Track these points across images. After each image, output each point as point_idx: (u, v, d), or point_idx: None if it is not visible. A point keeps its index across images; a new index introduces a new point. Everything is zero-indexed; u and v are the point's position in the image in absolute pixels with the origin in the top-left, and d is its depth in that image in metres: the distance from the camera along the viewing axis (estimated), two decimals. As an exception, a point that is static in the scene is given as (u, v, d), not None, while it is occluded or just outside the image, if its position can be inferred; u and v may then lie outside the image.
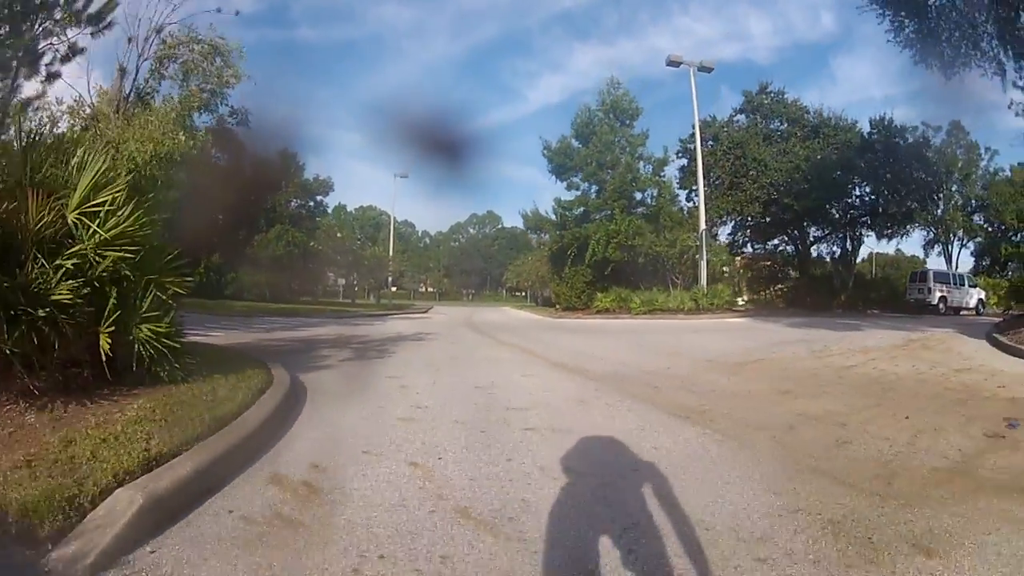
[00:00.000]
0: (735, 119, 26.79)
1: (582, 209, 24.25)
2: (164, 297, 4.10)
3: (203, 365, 4.33)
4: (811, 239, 27.95)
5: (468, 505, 2.46)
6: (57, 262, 3.63)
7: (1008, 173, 37.76)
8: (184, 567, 1.89)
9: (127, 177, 4.22)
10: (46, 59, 8.89)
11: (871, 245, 49.01)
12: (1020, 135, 24.74)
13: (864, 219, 26.87)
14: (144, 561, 1.92)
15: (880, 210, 25.87)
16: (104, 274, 3.73)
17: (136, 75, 12.81)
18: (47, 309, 3.45)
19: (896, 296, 26.41)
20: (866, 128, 25.77)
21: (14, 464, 2.42)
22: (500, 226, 77.73)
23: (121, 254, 3.73)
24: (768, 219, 25.23)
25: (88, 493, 2.14)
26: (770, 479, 2.82)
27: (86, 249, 3.72)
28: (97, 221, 3.82)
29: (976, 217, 39.61)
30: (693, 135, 22.80)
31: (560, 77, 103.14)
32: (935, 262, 37.82)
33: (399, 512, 2.36)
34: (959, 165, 36.79)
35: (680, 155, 26.61)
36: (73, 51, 9.13)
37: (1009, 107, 14.06)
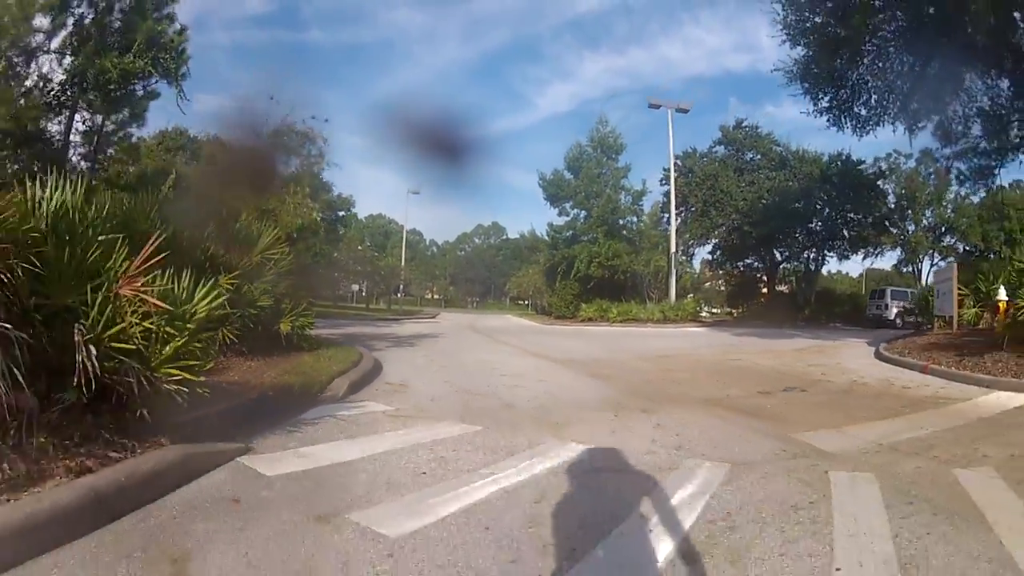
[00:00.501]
0: (714, 149, 30.38)
1: (571, 232, 28.00)
2: (305, 305, 7.50)
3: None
4: (777, 259, 31.37)
5: (469, 389, 5.83)
6: (256, 283, 7.03)
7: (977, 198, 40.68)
8: (364, 396, 5.24)
9: (284, 238, 7.64)
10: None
11: (851, 264, 52.05)
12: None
13: (823, 243, 30.28)
14: (351, 399, 5.27)
15: (838, 235, 29.29)
16: (282, 291, 7.12)
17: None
18: (255, 310, 6.83)
19: (860, 311, 29.35)
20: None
21: (279, 373, 5.78)
22: (504, 237, 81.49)
23: (291, 280, 7.13)
24: (736, 242, 28.69)
25: (323, 380, 5.50)
26: (607, 391, 6.16)
27: (269, 277, 7.11)
28: (273, 261, 7.21)
29: (948, 238, 42.88)
30: (670, 169, 26.43)
31: (570, 85, 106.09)
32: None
33: (436, 392, 5.71)
34: (926, 191, 40.25)
35: (663, 182, 30.23)
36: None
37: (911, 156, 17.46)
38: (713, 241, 30.09)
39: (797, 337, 16.67)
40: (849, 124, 16.66)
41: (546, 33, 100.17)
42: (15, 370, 2.40)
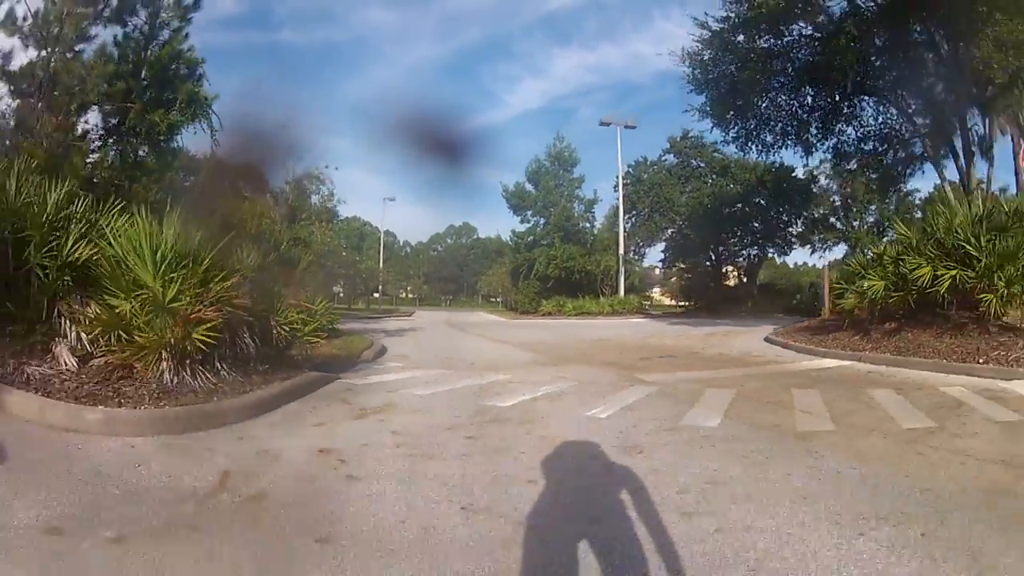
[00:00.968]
0: (663, 158, 34.19)
1: (532, 237, 31.66)
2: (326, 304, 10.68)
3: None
4: (721, 257, 35.33)
5: (447, 357, 9.16)
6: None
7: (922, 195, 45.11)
8: (383, 361, 8.49)
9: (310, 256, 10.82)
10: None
11: (801, 255, 56.34)
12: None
13: (763, 241, 34.34)
14: (377, 361, 8.50)
15: (776, 234, 33.37)
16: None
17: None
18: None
19: (802, 302, 33.04)
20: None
21: (332, 348, 8.97)
22: (475, 236, 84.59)
23: (323, 289, 10.31)
24: (681, 242, 32.53)
25: (356, 352, 8.73)
26: (540, 358, 9.51)
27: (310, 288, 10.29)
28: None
29: (891, 233, 47.54)
30: (618, 182, 30.16)
31: (541, 82, 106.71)
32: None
33: (426, 358, 8.99)
34: (862, 191, 44.78)
35: (616, 189, 33.92)
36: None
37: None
38: (663, 242, 33.93)
39: (721, 325, 19.33)
40: (755, 149, 20.34)
41: (517, 31, 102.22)
42: (254, 339, 5.62)
